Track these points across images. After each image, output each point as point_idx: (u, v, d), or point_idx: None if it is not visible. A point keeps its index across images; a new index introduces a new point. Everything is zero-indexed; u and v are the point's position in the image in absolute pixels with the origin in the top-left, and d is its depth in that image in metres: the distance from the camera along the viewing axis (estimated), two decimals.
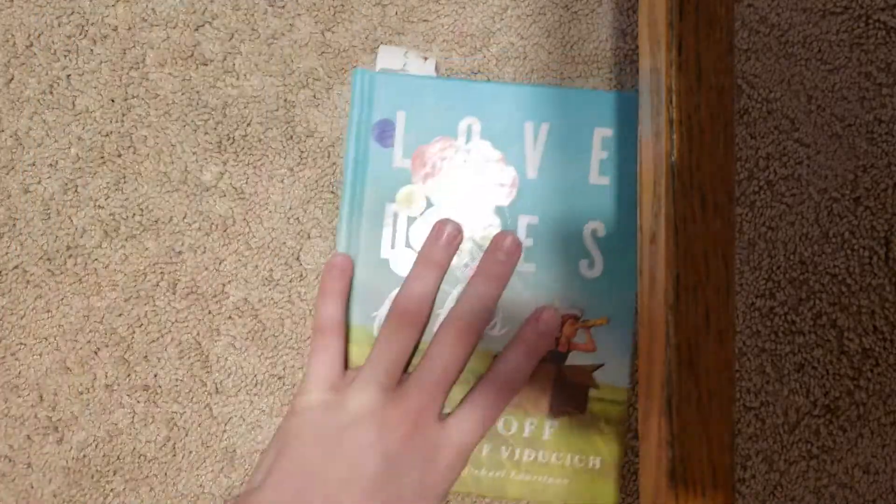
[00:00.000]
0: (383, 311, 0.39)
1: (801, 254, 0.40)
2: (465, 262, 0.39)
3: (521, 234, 0.39)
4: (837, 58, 0.41)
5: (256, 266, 0.41)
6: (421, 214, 0.39)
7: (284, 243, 0.41)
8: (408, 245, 0.39)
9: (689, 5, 0.30)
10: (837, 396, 0.40)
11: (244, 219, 0.41)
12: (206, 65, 0.41)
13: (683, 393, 0.30)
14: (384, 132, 0.39)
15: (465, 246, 0.39)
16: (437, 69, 0.40)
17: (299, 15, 0.41)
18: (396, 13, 0.41)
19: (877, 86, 0.40)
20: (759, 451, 0.40)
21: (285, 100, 0.41)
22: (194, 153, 0.41)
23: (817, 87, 0.40)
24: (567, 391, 0.39)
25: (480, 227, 0.39)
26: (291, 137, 0.41)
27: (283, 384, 0.40)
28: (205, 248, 0.41)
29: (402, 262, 0.39)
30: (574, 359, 0.39)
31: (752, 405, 0.40)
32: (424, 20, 0.41)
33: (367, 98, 0.39)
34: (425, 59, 0.39)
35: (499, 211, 0.39)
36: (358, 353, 0.39)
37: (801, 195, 0.40)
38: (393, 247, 0.39)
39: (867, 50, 0.41)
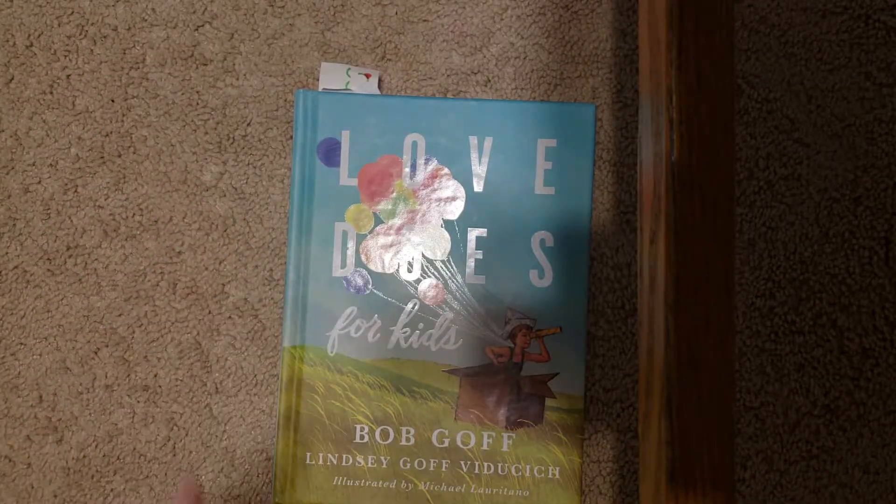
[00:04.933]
0: (335, 331, 0.39)
1: (801, 254, 0.40)
2: (416, 276, 0.39)
3: (471, 246, 0.39)
4: (837, 58, 0.41)
5: (256, 266, 0.41)
6: (370, 232, 0.40)
7: (284, 243, 0.41)
8: (359, 264, 0.39)
9: (689, 5, 0.30)
10: (837, 396, 0.40)
11: (244, 219, 0.41)
12: (206, 65, 0.41)
13: (683, 393, 0.30)
14: (330, 151, 0.40)
15: (417, 262, 0.39)
16: (380, 85, 0.40)
17: (299, 15, 0.41)
18: (396, 13, 0.41)
19: (877, 86, 0.40)
20: (759, 451, 0.40)
21: (285, 100, 0.41)
22: (194, 153, 0.41)
23: (817, 87, 0.40)
24: (523, 403, 0.39)
25: (430, 243, 0.39)
26: (291, 137, 0.41)
27: None
28: (205, 248, 0.41)
29: (353, 281, 0.39)
30: (529, 370, 0.39)
31: (752, 405, 0.40)
32: (424, 20, 0.41)
33: (310, 119, 0.39)
34: (367, 76, 0.39)
35: (448, 225, 0.40)
36: (311, 374, 0.39)
37: (801, 195, 0.40)
38: (343, 266, 0.39)
39: (867, 50, 0.41)
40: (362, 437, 0.39)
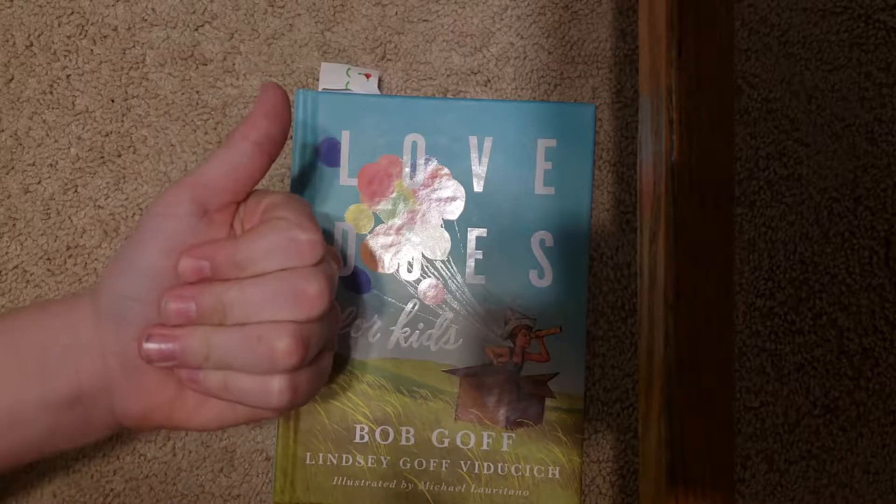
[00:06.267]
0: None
1: (801, 254, 0.40)
2: (416, 276, 0.39)
3: (471, 246, 0.39)
4: (837, 58, 0.41)
5: None
6: (370, 232, 0.40)
7: None
8: (359, 264, 0.39)
9: (689, 5, 0.30)
10: (837, 396, 0.40)
11: None
12: (206, 65, 0.41)
13: (683, 393, 0.30)
14: (330, 151, 0.40)
15: (417, 262, 0.39)
16: (380, 85, 0.40)
17: (299, 15, 0.41)
18: (396, 13, 0.41)
19: (877, 86, 0.40)
20: (759, 451, 0.40)
21: None
22: (194, 153, 0.41)
23: (817, 87, 0.40)
24: (523, 402, 0.39)
25: (430, 243, 0.39)
26: (291, 137, 0.41)
27: None
28: None
29: (354, 281, 0.39)
30: (529, 370, 0.39)
31: (752, 405, 0.40)
32: (424, 20, 0.41)
33: (310, 118, 0.39)
34: (367, 76, 0.39)
35: (448, 225, 0.39)
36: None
37: (801, 195, 0.40)
38: (344, 265, 0.39)
39: (867, 50, 0.41)
40: (362, 437, 0.39)
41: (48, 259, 0.40)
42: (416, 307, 0.39)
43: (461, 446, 0.39)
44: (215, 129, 0.41)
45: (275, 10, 0.41)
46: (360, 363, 0.39)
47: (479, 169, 0.40)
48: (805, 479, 0.40)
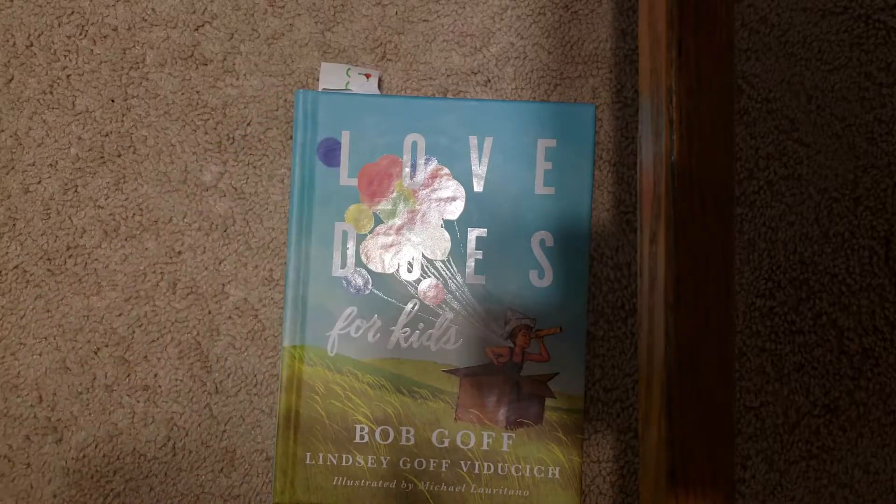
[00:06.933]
0: (335, 331, 0.39)
1: (801, 254, 0.40)
2: (416, 276, 0.39)
3: (471, 246, 0.39)
4: (837, 58, 0.41)
5: (256, 266, 0.41)
6: (370, 232, 0.40)
7: (284, 243, 0.41)
8: (359, 264, 0.39)
9: (689, 5, 0.30)
10: (837, 396, 0.40)
11: (244, 219, 0.41)
12: (206, 65, 0.41)
13: (683, 393, 0.30)
14: (329, 151, 0.40)
15: (417, 262, 0.39)
16: (380, 85, 0.40)
17: (299, 15, 0.41)
18: (396, 13, 0.41)
19: (877, 86, 0.40)
20: (759, 451, 0.40)
21: (285, 100, 0.41)
22: (194, 153, 0.41)
23: (817, 87, 0.40)
24: (523, 403, 0.39)
25: (430, 243, 0.39)
26: (291, 137, 0.41)
27: None
28: (205, 248, 0.41)
29: (354, 281, 0.39)
30: (529, 370, 0.39)
31: (752, 405, 0.40)
32: (424, 20, 0.41)
33: (310, 119, 0.39)
34: (367, 76, 0.39)
35: (448, 225, 0.39)
36: (311, 374, 0.39)
37: (801, 195, 0.40)
38: (343, 266, 0.39)
39: (867, 50, 0.41)
40: (362, 437, 0.39)
41: (48, 259, 0.40)
42: (416, 307, 0.39)
43: (461, 446, 0.39)
44: (215, 129, 0.41)
45: (275, 10, 0.41)
46: (360, 363, 0.39)
47: (479, 169, 0.40)
48: (805, 479, 0.40)
